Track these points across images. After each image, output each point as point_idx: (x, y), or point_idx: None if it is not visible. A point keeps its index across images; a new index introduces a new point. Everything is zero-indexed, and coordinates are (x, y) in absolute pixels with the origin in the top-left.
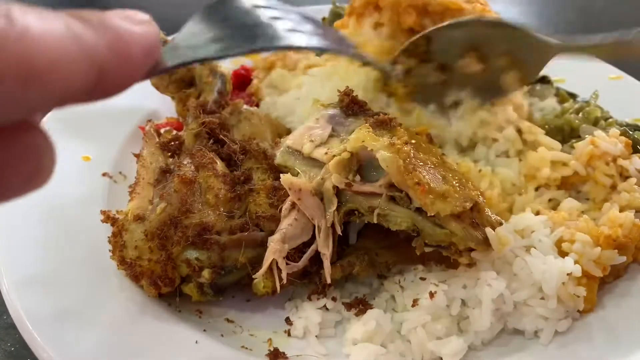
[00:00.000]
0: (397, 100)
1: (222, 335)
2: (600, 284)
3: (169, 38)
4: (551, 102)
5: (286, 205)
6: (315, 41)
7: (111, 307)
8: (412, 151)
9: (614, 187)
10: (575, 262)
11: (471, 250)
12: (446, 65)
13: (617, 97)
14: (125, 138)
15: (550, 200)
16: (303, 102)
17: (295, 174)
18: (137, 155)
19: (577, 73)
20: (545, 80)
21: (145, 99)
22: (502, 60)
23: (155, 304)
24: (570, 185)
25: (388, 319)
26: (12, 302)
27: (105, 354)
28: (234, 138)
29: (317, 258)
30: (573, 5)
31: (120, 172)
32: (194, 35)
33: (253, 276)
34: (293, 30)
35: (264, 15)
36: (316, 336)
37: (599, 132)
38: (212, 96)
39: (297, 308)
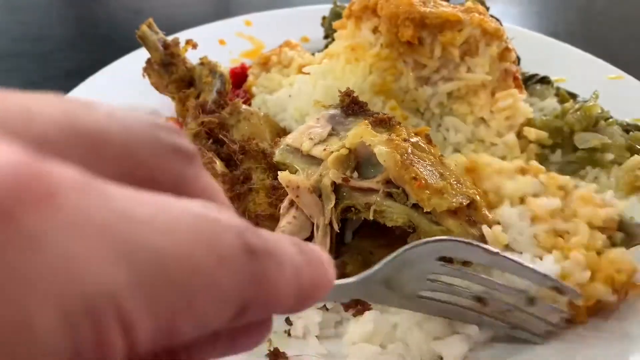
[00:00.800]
0: (393, 108)
1: None
2: None
3: (174, 35)
4: (551, 102)
5: (285, 203)
6: None
7: None
8: (410, 147)
9: None
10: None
11: None
12: None
13: (617, 97)
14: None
15: None
16: (295, 100)
17: (294, 172)
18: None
19: (577, 73)
20: (545, 80)
21: (145, 99)
22: None
23: None
24: None
25: (386, 319)
26: None
27: None
28: (233, 138)
29: None
30: (573, 5)
31: None
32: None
33: None
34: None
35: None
36: (316, 336)
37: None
38: (211, 96)
39: None
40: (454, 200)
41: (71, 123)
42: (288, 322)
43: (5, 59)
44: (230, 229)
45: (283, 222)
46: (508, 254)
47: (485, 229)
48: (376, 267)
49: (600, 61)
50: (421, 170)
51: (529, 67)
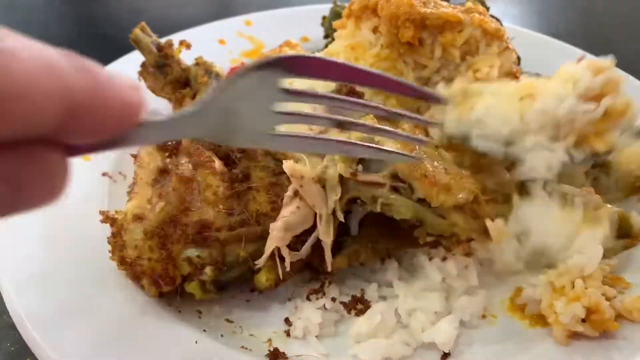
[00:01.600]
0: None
1: (222, 336)
2: None
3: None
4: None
5: (288, 192)
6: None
7: (111, 307)
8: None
9: None
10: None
11: (469, 241)
12: None
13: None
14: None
15: None
16: None
17: (296, 160)
18: (135, 156)
19: None
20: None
21: (145, 99)
22: None
23: (155, 304)
24: None
25: (392, 312)
26: (12, 302)
27: (105, 354)
28: None
29: (318, 248)
30: (573, 5)
31: (119, 172)
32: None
33: (255, 262)
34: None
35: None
36: (316, 336)
37: None
38: None
39: (296, 308)
40: (460, 196)
41: None
42: (288, 322)
43: None
44: (68, 58)
45: (286, 211)
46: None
47: (487, 222)
48: (208, 95)
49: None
50: (428, 166)
51: (529, 67)
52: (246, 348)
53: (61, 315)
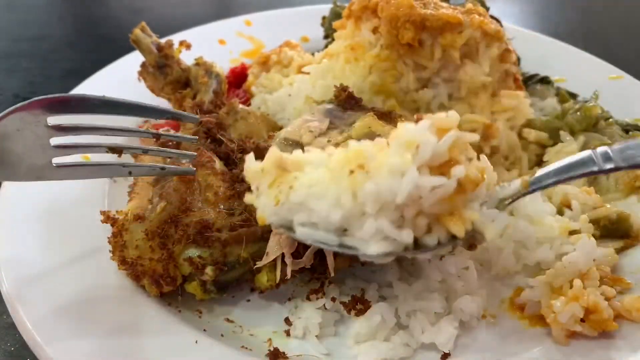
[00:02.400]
0: (392, 107)
1: (222, 335)
2: None
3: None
4: (551, 102)
5: None
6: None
7: (111, 307)
8: None
9: None
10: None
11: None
12: None
13: (617, 97)
14: (125, 138)
15: None
16: (294, 99)
17: None
18: (135, 156)
19: (577, 73)
20: (545, 80)
21: (145, 99)
22: None
23: (155, 303)
24: None
25: (392, 312)
26: (12, 302)
27: (105, 353)
28: (231, 137)
29: (320, 251)
30: (573, 5)
31: None
32: None
33: (257, 264)
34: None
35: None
36: (316, 336)
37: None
38: (208, 96)
39: (296, 308)
40: None
41: None
42: (288, 322)
43: (5, 59)
44: None
45: None
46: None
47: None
48: None
49: (600, 61)
50: None
51: (529, 67)
52: (246, 348)
53: (61, 315)
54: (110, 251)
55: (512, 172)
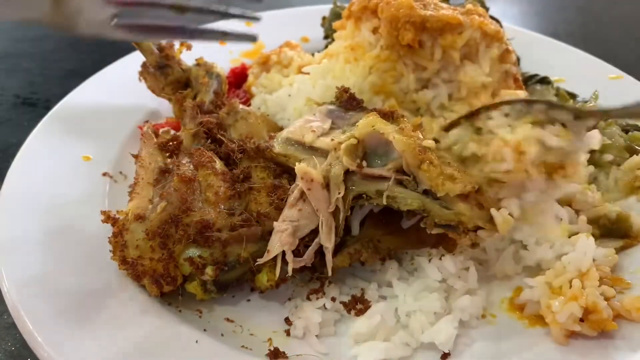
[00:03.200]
0: (392, 107)
1: (222, 335)
2: None
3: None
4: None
5: (295, 193)
6: None
7: (111, 307)
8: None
9: None
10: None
11: (477, 230)
12: None
13: (617, 97)
14: (126, 138)
15: None
16: (294, 100)
17: (298, 161)
18: (136, 156)
19: (577, 73)
20: (545, 80)
21: (145, 99)
22: None
23: (155, 303)
24: None
25: (392, 312)
26: (12, 302)
27: (105, 353)
28: (232, 137)
29: (320, 250)
30: (573, 5)
31: (120, 172)
32: None
33: (258, 261)
34: None
35: None
36: (316, 335)
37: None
38: (208, 96)
39: (296, 308)
40: (466, 184)
41: None
42: (288, 322)
43: (5, 59)
44: None
45: (291, 213)
46: None
47: (493, 211)
48: None
49: (600, 61)
50: (432, 156)
51: (529, 67)
52: (246, 347)
53: (61, 315)
54: (110, 251)
55: None
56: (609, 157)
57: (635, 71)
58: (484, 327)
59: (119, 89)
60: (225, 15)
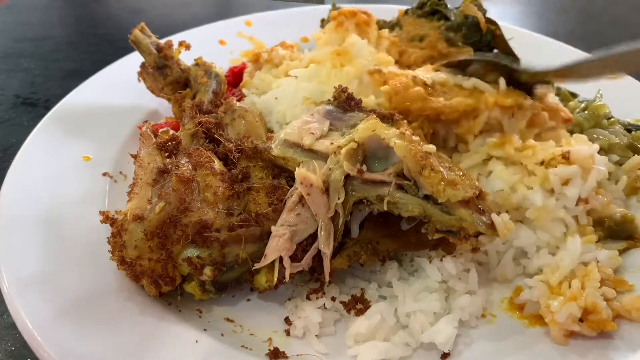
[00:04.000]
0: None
1: (222, 335)
2: None
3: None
4: (553, 102)
5: (293, 198)
6: None
7: (111, 307)
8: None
9: None
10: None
11: (478, 235)
12: None
13: (618, 97)
14: (126, 138)
15: None
16: (280, 102)
17: (297, 164)
18: (135, 156)
19: None
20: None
21: (145, 99)
22: None
23: (155, 303)
24: None
25: (392, 312)
26: (12, 302)
27: (105, 353)
28: (229, 137)
29: (318, 254)
30: (573, 6)
31: (120, 172)
32: None
33: (254, 266)
34: None
35: None
36: (316, 335)
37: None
38: (207, 96)
39: (296, 308)
40: (467, 190)
41: None
42: (288, 321)
43: (5, 59)
44: None
45: (289, 217)
46: None
47: (494, 216)
48: None
49: None
50: (435, 163)
51: None
52: (246, 347)
53: (61, 314)
54: (109, 251)
55: None
56: (614, 158)
57: (635, 71)
58: (483, 327)
59: (118, 89)
60: None
